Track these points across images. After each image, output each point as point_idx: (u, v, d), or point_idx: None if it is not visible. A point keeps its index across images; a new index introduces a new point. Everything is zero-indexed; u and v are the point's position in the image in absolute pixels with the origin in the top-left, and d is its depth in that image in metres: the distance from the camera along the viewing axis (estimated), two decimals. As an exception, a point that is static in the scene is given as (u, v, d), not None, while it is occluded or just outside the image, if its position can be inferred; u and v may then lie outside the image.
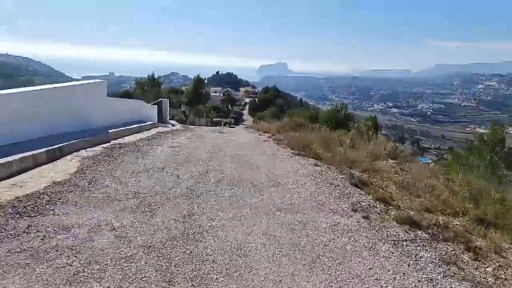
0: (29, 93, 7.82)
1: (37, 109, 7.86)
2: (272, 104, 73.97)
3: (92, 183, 5.63)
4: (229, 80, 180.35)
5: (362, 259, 3.92)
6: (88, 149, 7.95)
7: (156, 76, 30.15)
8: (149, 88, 28.42)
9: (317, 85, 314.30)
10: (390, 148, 8.52)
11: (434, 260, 4.04)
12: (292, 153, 9.29)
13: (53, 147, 6.94)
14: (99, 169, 6.42)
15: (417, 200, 5.78)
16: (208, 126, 27.31)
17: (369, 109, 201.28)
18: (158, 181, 5.96)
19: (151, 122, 14.13)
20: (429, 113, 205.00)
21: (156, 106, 16.79)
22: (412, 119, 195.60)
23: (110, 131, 10.06)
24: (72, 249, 3.63)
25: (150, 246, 3.82)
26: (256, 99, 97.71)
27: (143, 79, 30.12)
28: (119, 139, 9.84)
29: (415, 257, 4.09)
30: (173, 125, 17.92)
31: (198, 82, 41.02)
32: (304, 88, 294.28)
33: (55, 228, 4.04)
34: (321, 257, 3.88)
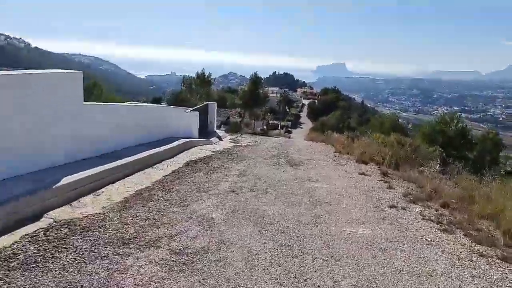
0: None
1: None
2: (334, 107, 67.56)
3: None
4: (285, 81, 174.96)
5: None
6: None
7: (206, 74, 25.63)
8: (197, 87, 23.94)
9: (376, 86, 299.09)
10: None
11: None
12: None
13: None
14: None
15: None
16: (265, 135, 22.27)
17: (433, 113, 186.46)
18: None
19: (185, 140, 9.39)
20: (501, 118, 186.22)
21: (197, 113, 12.07)
22: (482, 125, 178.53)
23: (63, 180, 4.94)
24: None
25: None
26: (316, 101, 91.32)
27: (191, 78, 25.70)
28: (79, 200, 4.94)
29: None
30: (219, 138, 13.19)
31: (255, 81, 36.18)
32: (363, 89, 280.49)
33: None
34: None
